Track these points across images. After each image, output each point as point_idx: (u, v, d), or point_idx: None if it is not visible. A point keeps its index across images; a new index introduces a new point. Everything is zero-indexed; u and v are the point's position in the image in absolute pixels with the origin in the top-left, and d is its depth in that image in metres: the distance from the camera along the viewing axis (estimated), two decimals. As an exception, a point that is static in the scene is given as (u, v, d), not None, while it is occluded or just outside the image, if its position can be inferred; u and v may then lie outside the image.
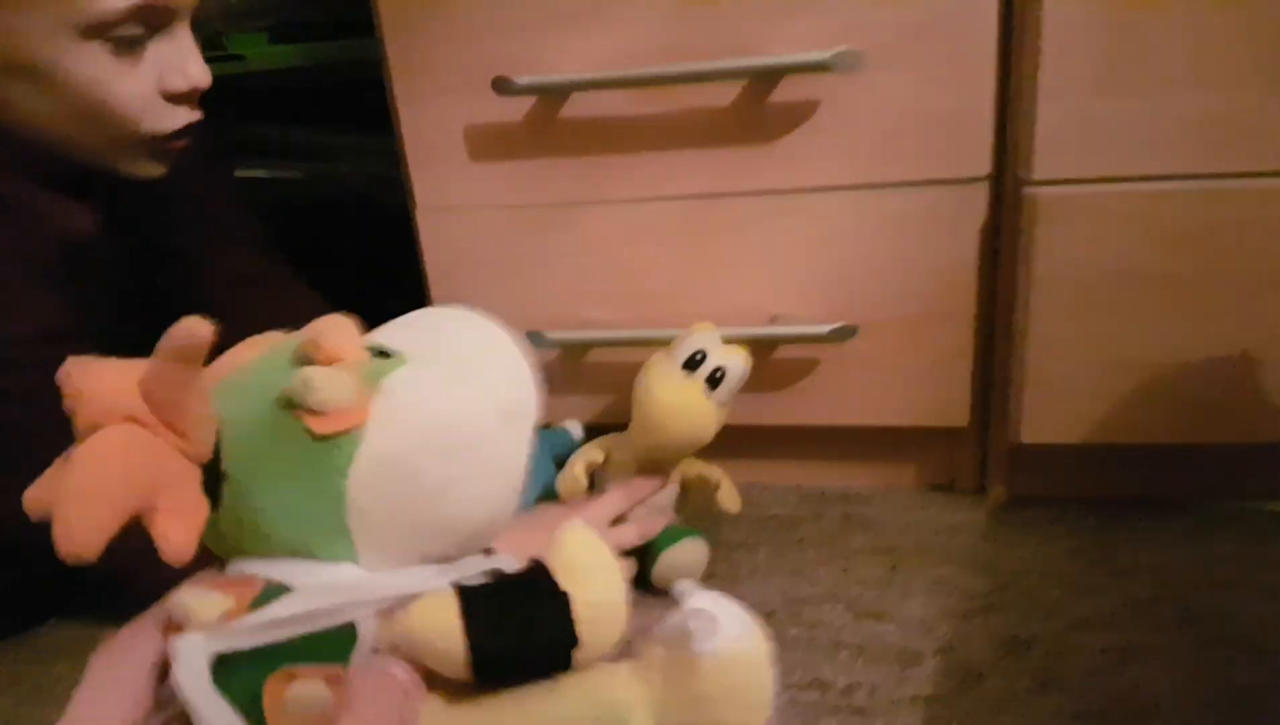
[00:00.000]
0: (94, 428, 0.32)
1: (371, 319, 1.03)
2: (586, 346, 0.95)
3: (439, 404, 0.37)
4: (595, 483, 0.88)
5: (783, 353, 0.92)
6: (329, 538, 0.35)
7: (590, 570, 0.40)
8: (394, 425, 0.35)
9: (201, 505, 0.34)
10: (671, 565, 0.83)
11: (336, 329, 0.37)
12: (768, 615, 0.81)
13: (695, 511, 0.89)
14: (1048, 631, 0.77)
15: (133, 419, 0.32)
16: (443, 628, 0.35)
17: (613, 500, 0.82)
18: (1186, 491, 0.93)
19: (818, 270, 0.90)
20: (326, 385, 0.34)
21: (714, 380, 0.80)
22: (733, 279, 0.91)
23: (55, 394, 0.70)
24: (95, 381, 0.33)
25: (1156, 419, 0.86)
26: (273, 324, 0.95)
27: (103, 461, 0.31)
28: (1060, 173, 0.80)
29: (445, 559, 0.38)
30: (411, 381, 0.36)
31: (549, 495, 0.90)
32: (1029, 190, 0.81)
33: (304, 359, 0.36)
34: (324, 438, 0.34)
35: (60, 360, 0.73)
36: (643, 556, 0.84)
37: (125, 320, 0.90)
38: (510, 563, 0.40)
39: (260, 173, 1.38)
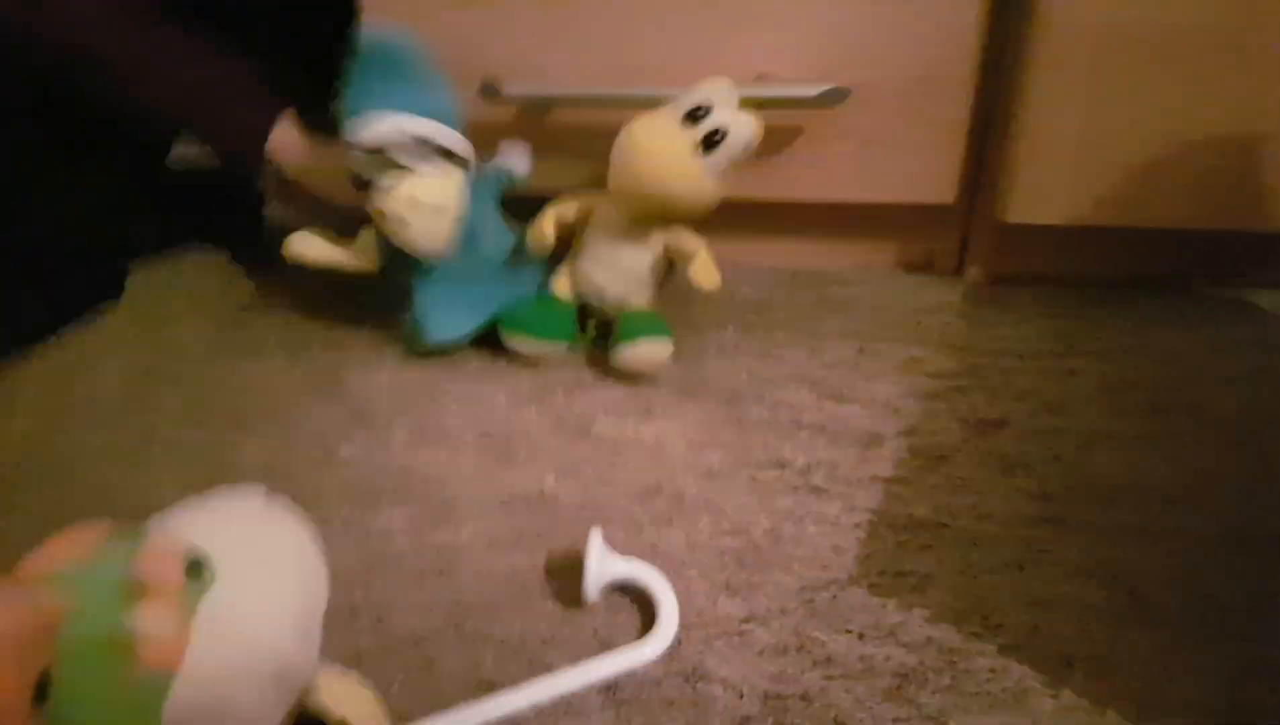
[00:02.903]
0: None
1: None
2: (548, 104, 0.86)
3: (248, 636, 0.41)
4: (578, 243, 0.82)
5: (765, 118, 0.84)
6: None
7: (348, 695, 0.48)
8: (208, 659, 0.39)
9: None
10: (626, 362, 0.79)
11: (163, 559, 0.39)
12: (731, 396, 0.79)
13: (671, 289, 0.84)
14: (1017, 413, 0.76)
15: None
16: None
17: None
18: (1168, 277, 0.90)
19: (809, 21, 0.80)
20: (156, 628, 0.37)
21: (711, 141, 0.73)
22: (715, 29, 0.81)
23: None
24: None
25: (1149, 201, 0.81)
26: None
27: None
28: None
29: None
30: (224, 611, 0.40)
31: (484, 235, 0.82)
32: (1049, -65, 0.72)
33: (134, 592, 0.38)
34: (149, 672, 0.38)
35: None
36: (609, 333, 0.81)
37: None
38: None
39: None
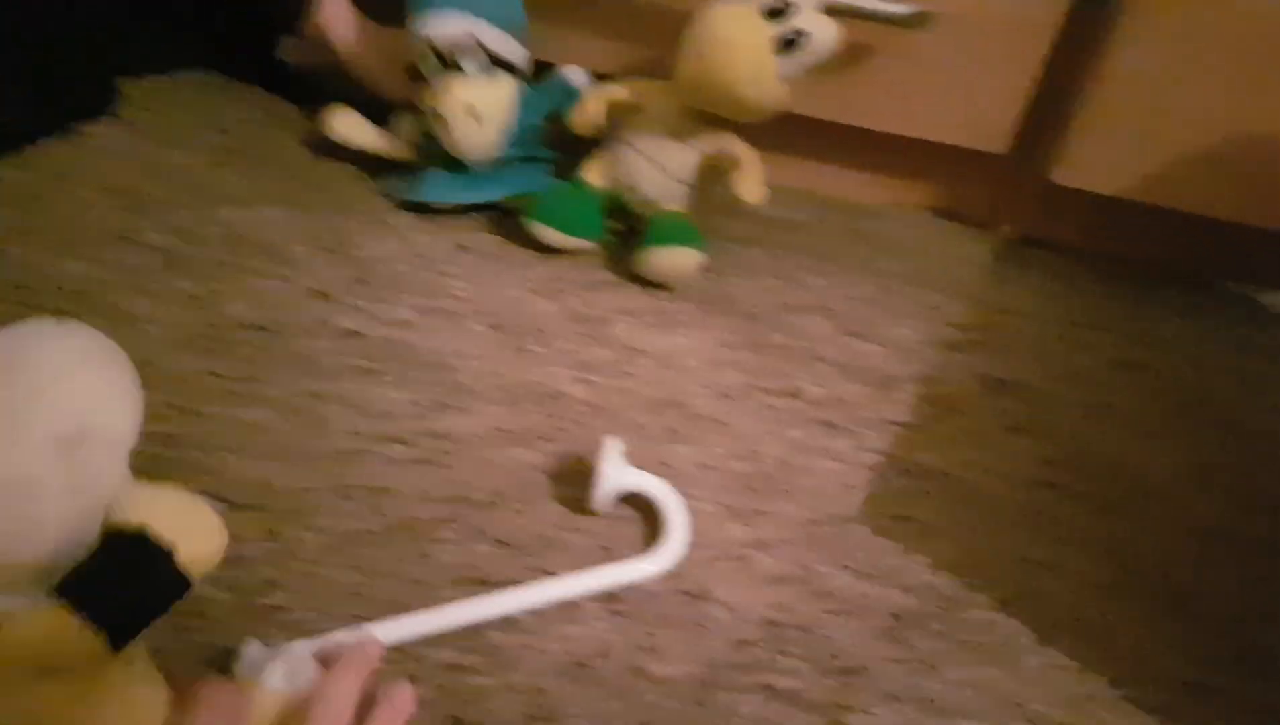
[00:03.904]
0: None
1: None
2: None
3: None
4: (618, 132, 0.80)
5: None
6: None
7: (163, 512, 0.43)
8: None
9: None
10: (654, 268, 0.78)
11: None
12: (751, 318, 0.78)
13: (710, 199, 0.82)
14: (1030, 376, 0.77)
15: None
16: (62, 633, 0.38)
17: None
18: (1195, 266, 0.91)
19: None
20: None
21: (790, 42, 0.70)
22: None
23: None
24: None
25: (1195, 188, 0.81)
26: None
27: None
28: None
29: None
30: None
31: (529, 145, 0.82)
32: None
33: None
34: None
35: None
36: (634, 235, 0.79)
37: None
38: None
39: None
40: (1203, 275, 0.92)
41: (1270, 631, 0.61)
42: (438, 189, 0.81)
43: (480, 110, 0.76)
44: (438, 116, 0.76)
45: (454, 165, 0.80)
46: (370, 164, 0.86)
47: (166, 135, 0.87)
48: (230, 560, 0.53)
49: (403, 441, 0.64)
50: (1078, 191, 0.83)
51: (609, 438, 0.60)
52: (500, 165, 0.81)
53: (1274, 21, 0.72)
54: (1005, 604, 0.60)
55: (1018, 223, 0.92)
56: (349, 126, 0.83)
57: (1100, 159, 0.81)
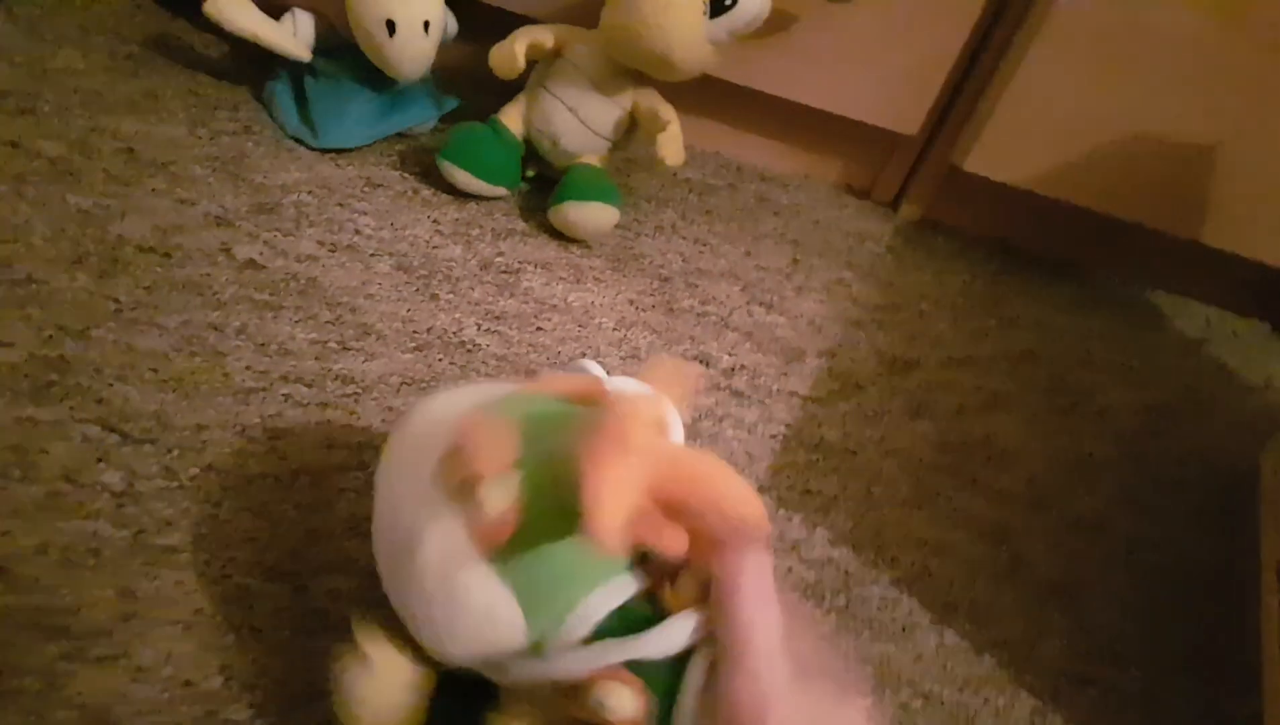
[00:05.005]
0: None
1: None
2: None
3: None
4: (539, 78, 0.79)
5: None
6: None
7: None
8: None
9: None
10: (569, 222, 0.77)
11: None
12: (664, 280, 0.80)
13: (625, 155, 0.82)
14: (929, 359, 0.82)
15: None
16: None
17: None
18: (1088, 260, 0.99)
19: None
20: None
21: (720, 5, 0.71)
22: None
23: None
24: None
25: (1099, 185, 0.88)
26: None
27: None
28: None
29: None
30: None
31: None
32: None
33: None
34: None
35: None
36: (552, 186, 0.79)
37: None
38: None
39: None
40: (1094, 270, 0.99)
41: (1139, 626, 0.67)
42: (344, 130, 0.79)
43: (433, 25, 0.75)
44: (385, 25, 0.73)
45: (348, 89, 0.78)
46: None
47: (60, 34, 0.81)
48: (126, 495, 0.52)
49: (305, 382, 0.62)
50: (980, 179, 0.88)
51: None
52: (404, 90, 0.80)
53: (1179, 37, 0.78)
54: (903, 583, 0.64)
55: (921, 205, 0.96)
56: (234, 9, 0.76)
57: (1007, 150, 0.86)
